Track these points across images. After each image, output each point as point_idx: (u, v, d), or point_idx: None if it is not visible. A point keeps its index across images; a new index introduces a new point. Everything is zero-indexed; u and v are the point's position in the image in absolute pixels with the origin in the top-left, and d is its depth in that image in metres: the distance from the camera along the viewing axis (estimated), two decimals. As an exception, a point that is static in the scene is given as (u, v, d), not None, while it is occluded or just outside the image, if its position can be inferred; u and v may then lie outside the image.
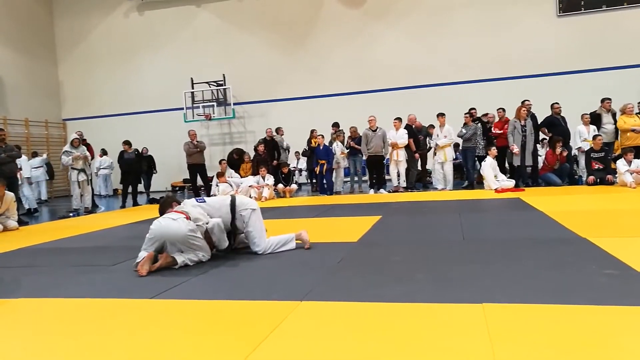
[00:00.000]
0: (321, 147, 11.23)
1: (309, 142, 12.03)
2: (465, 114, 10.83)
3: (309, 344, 2.22)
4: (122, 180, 11.49)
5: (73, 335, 2.54)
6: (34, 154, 14.85)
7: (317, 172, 11.26)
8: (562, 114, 10.30)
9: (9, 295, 3.43)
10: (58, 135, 17.88)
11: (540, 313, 2.41)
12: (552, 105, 10.37)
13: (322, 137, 11.40)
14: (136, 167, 11.54)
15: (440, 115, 10.46)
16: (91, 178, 10.74)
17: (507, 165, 10.51)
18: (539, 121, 10.40)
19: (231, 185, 10.77)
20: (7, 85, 16.03)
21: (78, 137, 10.15)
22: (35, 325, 2.76)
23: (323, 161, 11.08)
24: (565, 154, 9.92)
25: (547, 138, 10.70)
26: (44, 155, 14.68)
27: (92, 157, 12.37)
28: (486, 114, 11.20)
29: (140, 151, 11.70)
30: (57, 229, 7.45)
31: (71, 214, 9.77)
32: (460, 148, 11.27)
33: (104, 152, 16.03)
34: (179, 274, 3.71)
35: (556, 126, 10.17)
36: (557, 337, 2.11)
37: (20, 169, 10.35)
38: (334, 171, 11.29)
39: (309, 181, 13.57)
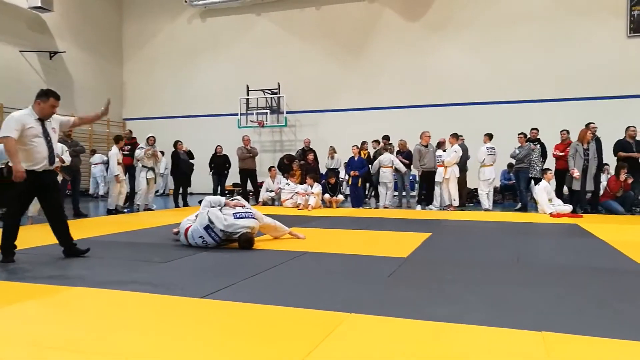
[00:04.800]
0: (356, 159, 11.19)
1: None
2: (518, 134, 10.49)
3: (357, 358, 2.18)
4: (179, 181, 11.51)
5: (125, 328, 2.61)
6: (93, 152, 15.58)
7: (350, 184, 11.35)
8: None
9: (69, 284, 3.58)
10: (118, 133, 18.64)
11: (608, 348, 2.26)
12: (627, 129, 9.84)
13: (357, 147, 11.38)
14: (190, 167, 11.84)
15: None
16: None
17: (565, 189, 10.06)
18: (609, 145, 9.89)
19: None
20: (76, 83, 16.90)
21: (153, 135, 10.57)
22: (93, 314, 2.87)
23: (355, 172, 11.05)
24: (630, 181, 9.37)
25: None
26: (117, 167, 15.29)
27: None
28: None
29: (190, 151, 11.89)
30: (112, 223, 7.74)
31: (126, 210, 10.11)
32: (514, 169, 10.93)
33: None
34: (227, 276, 3.78)
35: (625, 151, 9.65)
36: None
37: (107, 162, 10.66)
38: (383, 185, 11.11)
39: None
